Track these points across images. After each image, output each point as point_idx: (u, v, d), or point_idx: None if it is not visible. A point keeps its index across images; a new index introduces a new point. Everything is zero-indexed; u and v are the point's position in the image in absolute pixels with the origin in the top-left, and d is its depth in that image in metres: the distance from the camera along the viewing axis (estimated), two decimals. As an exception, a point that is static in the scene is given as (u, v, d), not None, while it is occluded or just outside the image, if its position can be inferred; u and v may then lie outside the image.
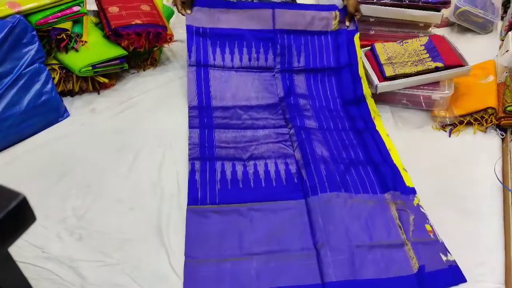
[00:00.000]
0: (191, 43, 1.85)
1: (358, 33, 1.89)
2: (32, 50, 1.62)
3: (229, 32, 1.84)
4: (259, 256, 1.26)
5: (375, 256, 1.25)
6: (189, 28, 1.85)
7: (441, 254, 1.26)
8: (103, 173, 1.52)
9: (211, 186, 1.46)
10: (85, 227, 1.34)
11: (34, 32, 1.63)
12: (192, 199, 1.41)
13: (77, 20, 1.85)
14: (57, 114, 1.74)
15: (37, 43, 1.64)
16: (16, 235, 0.54)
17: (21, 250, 1.26)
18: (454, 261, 1.25)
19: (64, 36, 1.77)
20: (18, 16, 1.57)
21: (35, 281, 1.17)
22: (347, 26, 1.91)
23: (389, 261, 1.24)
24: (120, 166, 1.55)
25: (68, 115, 1.78)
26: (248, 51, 1.88)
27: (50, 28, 1.72)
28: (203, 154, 1.57)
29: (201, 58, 1.84)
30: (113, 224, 1.35)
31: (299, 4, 2.05)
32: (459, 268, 1.23)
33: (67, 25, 1.78)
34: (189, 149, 1.59)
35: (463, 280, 1.20)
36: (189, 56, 1.84)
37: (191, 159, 1.55)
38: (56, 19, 1.71)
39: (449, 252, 1.27)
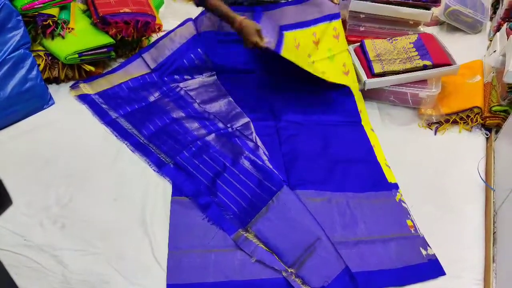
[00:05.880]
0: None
1: (340, 19, 1.90)
2: (17, 35, 1.59)
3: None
4: (243, 248, 1.26)
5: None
6: None
7: (421, 248, 1.28)
8: (87, 162, 1.51)
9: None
10: (68, 216, 1.33)
11: (20, 17, 1.59)
12: (177, 190, 1.41)
13: (64, 6, 1.82)
14: (42, 101, 1.71)
15: (23, 28, 1.60)
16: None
17: (2, 237, 1.24)
18: (434, 255, 1.27)
19: (51, 22, 1.74)
20: (3, 0, 1.53)
21: (16, 269, 1.16)
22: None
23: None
24: (105, 155, 1.54)
25: (53, 103, 1.75)
26: None
27: (36, 13, 1.68)
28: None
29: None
30: (97, 214, 1.34)
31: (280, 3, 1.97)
32: (438, 261, 1.25)
33: (54, 11, 1.75)
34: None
35: (442, 273, 1.23)
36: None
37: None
38: (42, 5, 1.68)
39: (429, 246, 1.29)
